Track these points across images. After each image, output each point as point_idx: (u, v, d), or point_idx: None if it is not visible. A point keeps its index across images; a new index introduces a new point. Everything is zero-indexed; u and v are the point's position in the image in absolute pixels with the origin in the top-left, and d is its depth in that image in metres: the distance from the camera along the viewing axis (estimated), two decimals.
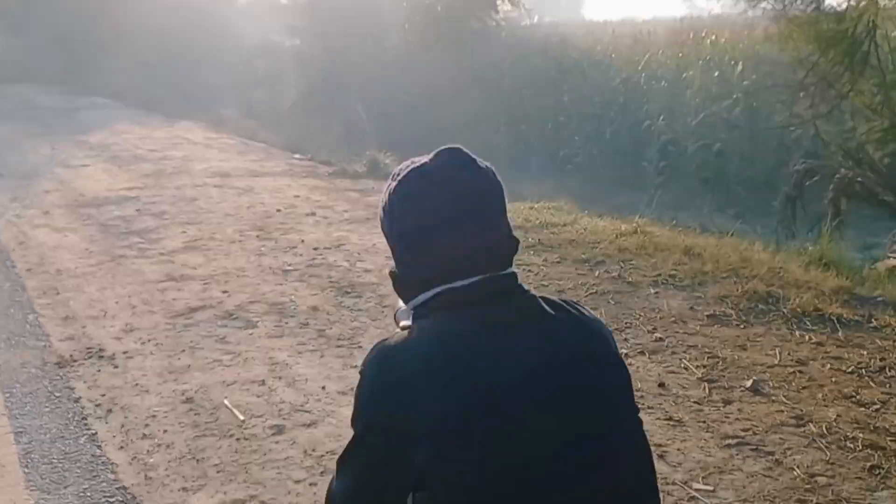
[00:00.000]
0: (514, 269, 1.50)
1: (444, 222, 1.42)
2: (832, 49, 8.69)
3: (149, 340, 4.86)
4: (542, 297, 1.49)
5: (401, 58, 17.25)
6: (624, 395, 1.48)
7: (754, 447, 3.51)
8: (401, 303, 1.61)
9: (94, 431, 3.81)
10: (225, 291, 5.64)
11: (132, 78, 19.37)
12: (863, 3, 8.07)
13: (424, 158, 1.48)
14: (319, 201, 8.27)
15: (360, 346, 4.71)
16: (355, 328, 4.99)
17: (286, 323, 5.09)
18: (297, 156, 11.36)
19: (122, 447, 3.67)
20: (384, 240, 1.52)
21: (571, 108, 16.09)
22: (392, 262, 1.55)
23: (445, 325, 1.39)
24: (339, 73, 17.70)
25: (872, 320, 4.93)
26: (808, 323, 4.89)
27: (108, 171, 10.08)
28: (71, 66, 21.75)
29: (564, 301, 1.51)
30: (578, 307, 1.51)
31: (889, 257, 7.46)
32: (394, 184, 1.48)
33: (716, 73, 13.79)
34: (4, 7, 23.83)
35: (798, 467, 3.35)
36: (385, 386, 1.37)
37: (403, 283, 1.51)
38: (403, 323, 1.59)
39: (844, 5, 8.46)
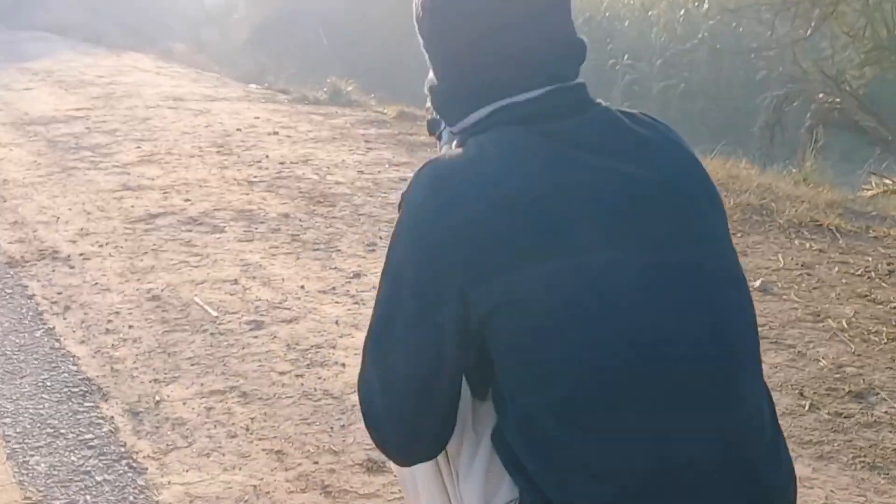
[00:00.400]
0: (582, 79, 1.20)
1: (499, 18, 1.13)
2: None
3: (107, 244, 4.48)
4: (620, 111, 1.20)
5: None
6: (728, 239, 1.23)
7: (773, 341, 3.28)
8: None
9: (51, 326, 3.46)
10: (187, 199, 5.26)
11: (77, 13, 18.53)
12: None
13: None
14: (281, 122, 7.85)
15: (339, 250, 4.39)
16: (331, 233, 4.66)
17: (256, 228, 4.74)
18: (252, 85, 10.87)
19: (83, 342, 3.33)
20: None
21: None
22: (430, 76, 1.25)
23: (513, 140, 1.10)
24: (296, 7, 17.12)
25: (871, 231, 4.74)
26: (806, 233, 4.68)
27: (53, 93, 9.52)
28: (13, 2, 20.76)
29: (646, 115, 1.22)
30: (665, 124, 1.22)
31: (864, 189, 7.32)
32: None
33: (681, 12, 13.58)
34: None
35: (823, 359, 3.13)
36: (442, 212, 1.06)
37: (449, 99, 1.21)
38: (451, 140, 1.29)
39: None
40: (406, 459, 1.25)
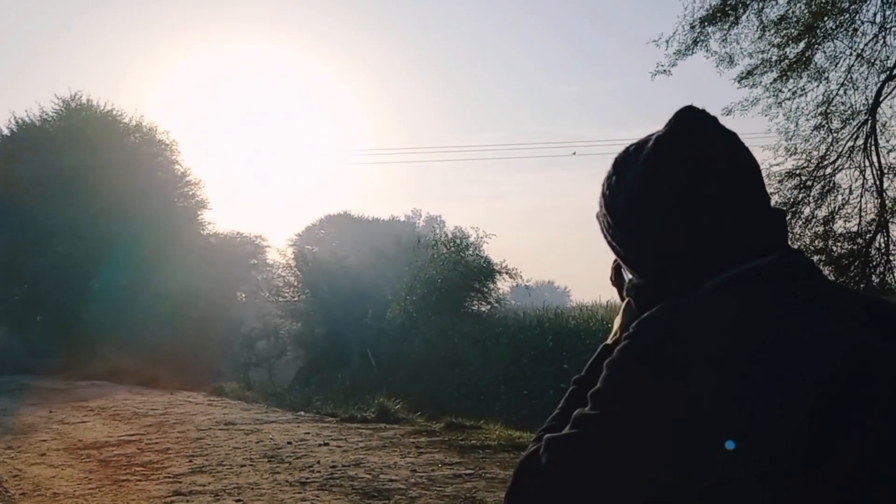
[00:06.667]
0: None
1: (735, 176, 1.08)
2: None
3: None
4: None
5: (402, 327, 17.36)
6: None
7: None
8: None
9: None
10: (238, 500, 5.18)
11: (132, 361, 19.26)
12: None
13: (675, 127, 1.11)
14: (331, 436, 7.87)
15: None
16: None
17: None
18: (301, 412, 11.01)
19: None
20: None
21: (573, 375, 15.96)
22: (633, 279, 1.16)
23: (751, 300, 1.00)
24: (341, 347, 17.74)
25: None
26: None
27: (108, 423, 9.69)
28: (71, 355, 21.66)
29: None
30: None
31: None
32: (656, 153, 1.10)
33: None
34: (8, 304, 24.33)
35: None
36: (674, 354, 0.94)
37: (674, 279, 1.08)
38: None
39: None
40: None
